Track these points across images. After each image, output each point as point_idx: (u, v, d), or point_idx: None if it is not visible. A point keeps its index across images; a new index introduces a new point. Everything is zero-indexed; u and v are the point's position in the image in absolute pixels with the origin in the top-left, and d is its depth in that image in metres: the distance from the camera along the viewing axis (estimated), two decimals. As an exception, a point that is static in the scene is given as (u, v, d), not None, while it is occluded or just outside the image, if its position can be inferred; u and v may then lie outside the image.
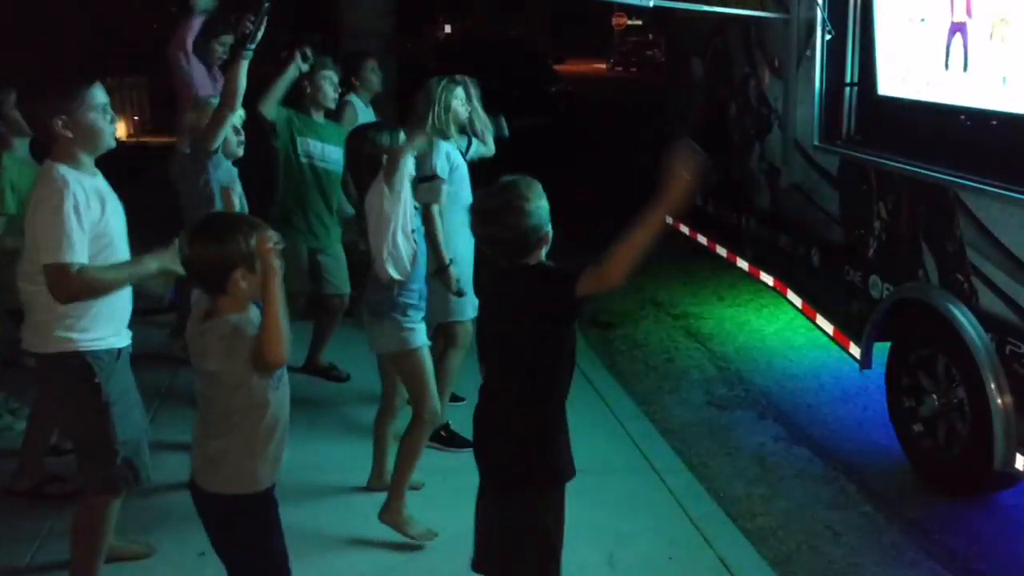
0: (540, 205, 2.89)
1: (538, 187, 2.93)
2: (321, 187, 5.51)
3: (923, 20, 4.82)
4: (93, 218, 3.29)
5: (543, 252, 2.95)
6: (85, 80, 3.33)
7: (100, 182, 3.42)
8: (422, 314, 4.07)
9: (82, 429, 3.49)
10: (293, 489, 4.47)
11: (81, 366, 3.38)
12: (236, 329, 2.78)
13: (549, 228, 2.93)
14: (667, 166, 2.62)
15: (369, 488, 4.47)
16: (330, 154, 5.46)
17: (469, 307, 4.77)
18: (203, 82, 6.40)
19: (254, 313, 2.87)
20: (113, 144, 3.43)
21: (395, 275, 3.91)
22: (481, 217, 2.95)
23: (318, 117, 5.52)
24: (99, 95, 3.33)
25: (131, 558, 3.90)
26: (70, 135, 3.26)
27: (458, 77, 4.86)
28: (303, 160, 5.41)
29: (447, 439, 4.82)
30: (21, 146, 4.35)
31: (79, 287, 3.23)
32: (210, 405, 2.90)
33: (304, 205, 5.49)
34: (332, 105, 5.57)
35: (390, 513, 4.06)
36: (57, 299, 3.23)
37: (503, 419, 2.99)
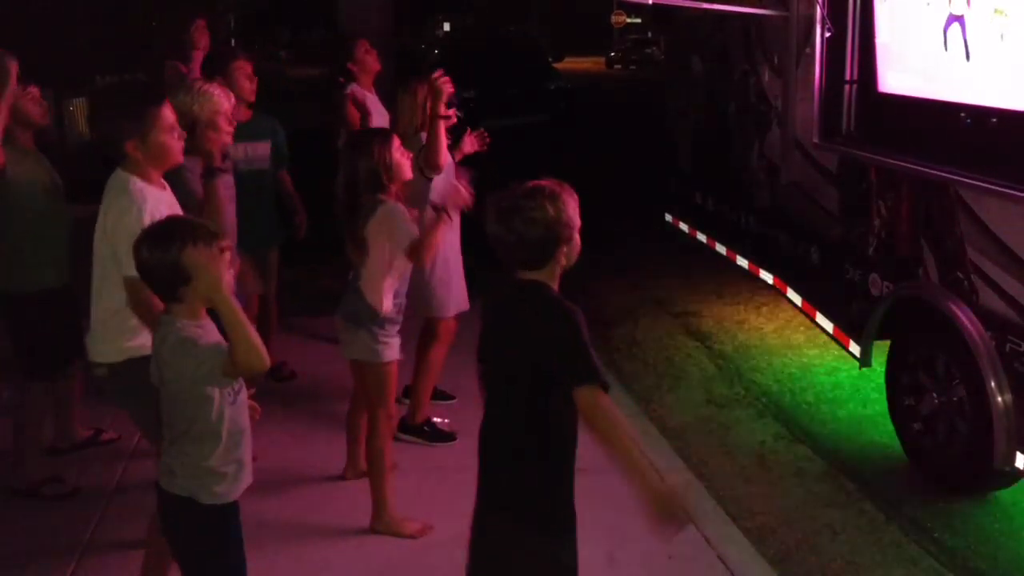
0: (559, 217, 2.66)
1: (563, 199, 2.70)
2: (248, 190, 5.07)
3: (922, 16, 4.81)
4: None
5: (557, 271, 2.74)
6: (156, 101, 3.42)
7: (168, 196, 3.50)
8: (398, 327, 4.11)
9: (157, 430, 3.47)
10: (289, 489, 4.49)
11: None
12: (186, 339, 2.74)
13: (567, 244, 2.71)
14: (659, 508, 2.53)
15: (344, 478, 4.54)
16: (254, 152, 5.27)
17: (451, 304, 4.86)
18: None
19: (208, 323, 2.83)
20: (181, 160, 3.53)
21: (386, 309, 3.99)
22: (498, 215, 2.73)
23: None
24: (168, 115, 3.42)
25: None
26: (141, 156, 3.35)
27: (439, 76, 4.78)
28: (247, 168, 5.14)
29: (429, 434, 4.85)
30: (24, 138, 4.39)
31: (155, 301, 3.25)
32: (168, 409, 2.87)
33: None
34: (251, 97, 5.26)
35: (381, 521, 4.09)
36: (136, 312, 3.26)
37: (507, 457, 2.81)
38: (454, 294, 4.87)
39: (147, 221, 3.24)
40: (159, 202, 3.39)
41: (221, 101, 4.24)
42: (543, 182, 2.74)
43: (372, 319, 4.01)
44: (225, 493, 2.89)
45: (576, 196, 2.76)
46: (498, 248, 2.75)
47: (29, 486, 4.43)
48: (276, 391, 5.54)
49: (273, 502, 4.31)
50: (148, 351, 3.33)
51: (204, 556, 2.96)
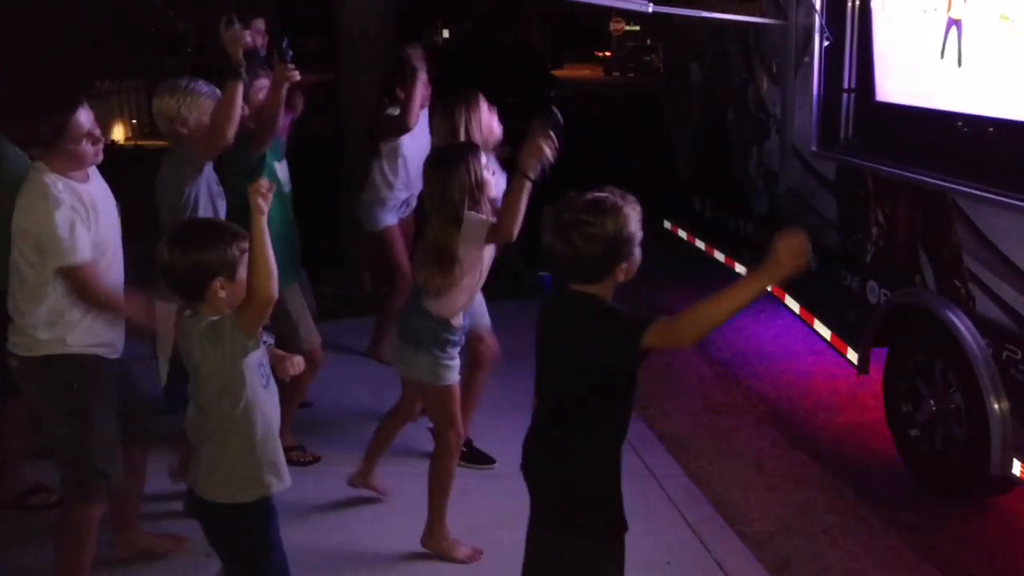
0: (619, 233, 2.57)
1: (624, 212, 2.61)
2: (283, 214, 4.71)
3: (920, 25, 4.84)
4: (89, 225, 3.35)
5: (613, 286, 2.68)
6: (68, 108, 3.32)
7: (92, 187, 3.46)
8: (459, 348, 3.94)
9: (60, 434, 3.47)
10: (290, 496, 4.48)
11: (65, 370, 3.39)
12: (215, 321, 2.76)
13: (627, 262, 2.64)
14: (783, 245, 2.36)
15: (351, 483, 4.41)
16: (285, 173, 4.85)
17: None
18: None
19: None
20: (97, 161, 3.47)
21: (458, 324, 3.87)
22: (556, 228, 2.63)
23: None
24: (83, 121, 3.34)
25: (155, 551, 3.92)
26: (52, 160, 3.34)
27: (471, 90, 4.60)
28: (285, 190, 4.76)
29: (467, 454, 4.61)
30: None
31: (100, 284, 3.34)
32: (202, 410, 2.88)
33: (287, 240, 4.70)
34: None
35: (434, 539, 3.98)
36: (88, 300, 3.34)
37: (555, 459, 2.80)
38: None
39: (64, 212, 3.26)
40: (78, 196, 3.34)
41: (208, 103, 4.05)
42: (605, 194, 2.64)
43: (435, 341, 3.82)
44: (265, 485, 2.90)
45: (639, 208, 2.66)
46: (554, 261, 2.67)
47: (15, 496, 4.38)
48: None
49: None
50: (67, 350, 3.38)
51: (248, 554, 2.97)
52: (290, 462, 4.61)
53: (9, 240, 3.89)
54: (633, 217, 2.62)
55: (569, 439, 2.74)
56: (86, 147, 3.37)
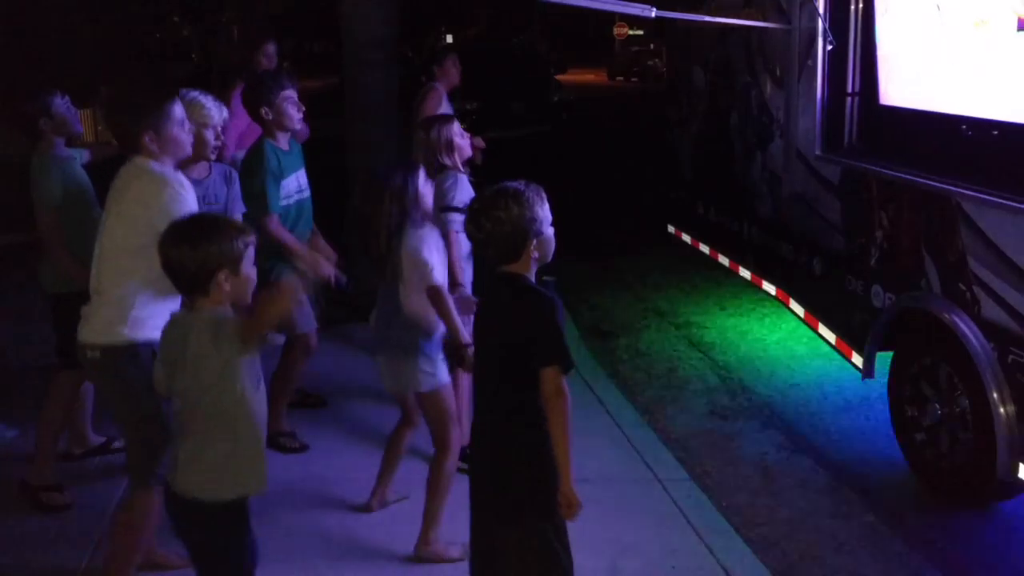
0: (523, 215, 2.89)
1: (527, 197, 2.92)
2: (304, 219, 4.96)
3: (923, 29, 4.83)
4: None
5: (532, 260, 2.95)
6: (167, 96, 3.59)
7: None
8: (440, 346, 4.00)
9: (143, 421, 3.51)
10: (294, 502, 4.49)
11: (149, 357, 3.42)
12: (220, 319, 2.78)
13: (537, 238, 2.93)
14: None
15: (367, 507, 4.36)
16: (304, 179, 4.96)
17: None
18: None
19: (229, 310, 2.87)
20: (190, 152, 3.69)
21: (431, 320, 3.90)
22: (469, 216, 3.01)
23: (284, 143, 4.85)
24: (179, 109, 3.57)
25: (170, 566, 3.89)
26: (156, 148, 3.49)
27: (447, 115, 4.80)
28: (288, 202, 4.82)
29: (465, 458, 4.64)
30: (59, 144, 4.46)
31: None
32: (188, 404, 2.87)
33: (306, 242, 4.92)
34: (298, 127, 4.93)
35: (427, 545, 3.98)
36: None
37: (493, 440, 2.97)
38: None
39: (185, 195, 3.40)
40: (175, 176, 3.49)
41: (211, 114, 4.13)
42: (510, 183, 2.97)
43: (424, 346, 3.89)
44: (244, 484, 2.90)
45: (544, 195, 2.99)
46: (475, 245, 3.08)
47: (36, 486, 4.44)
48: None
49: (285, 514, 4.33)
50: (152, 337, 3.37)
51: (216, 556, 2.96)
52: (278, 447, 4.72)
53: (82, 240, 4.04)
54: (536, 201, 2.95)
55: (501, 416, 2.94)
56: (183, 134, 3.57)
